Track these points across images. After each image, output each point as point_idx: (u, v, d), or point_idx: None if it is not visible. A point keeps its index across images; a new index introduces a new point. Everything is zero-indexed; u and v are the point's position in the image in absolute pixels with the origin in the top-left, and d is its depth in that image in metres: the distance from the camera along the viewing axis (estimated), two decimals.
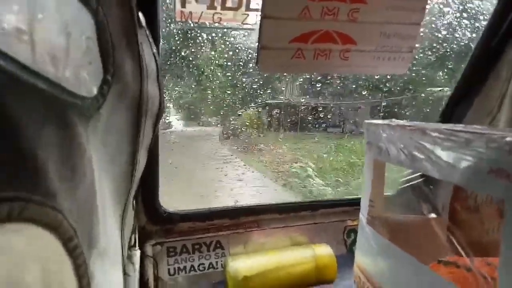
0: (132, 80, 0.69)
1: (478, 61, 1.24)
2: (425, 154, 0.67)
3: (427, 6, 0.89)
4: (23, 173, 0.32)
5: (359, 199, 1.38)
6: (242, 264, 1.19)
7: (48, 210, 0.36)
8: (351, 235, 1.40)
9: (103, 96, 0.55)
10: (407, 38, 0.92)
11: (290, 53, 0.87)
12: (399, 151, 0.75)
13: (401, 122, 0.81)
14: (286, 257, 1.24)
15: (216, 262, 1.27)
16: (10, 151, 0.30)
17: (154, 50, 0.79)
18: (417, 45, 0.95)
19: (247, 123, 8.29)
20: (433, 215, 1.12)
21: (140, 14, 0.70)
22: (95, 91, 0.53)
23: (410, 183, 1.19)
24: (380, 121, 0.85)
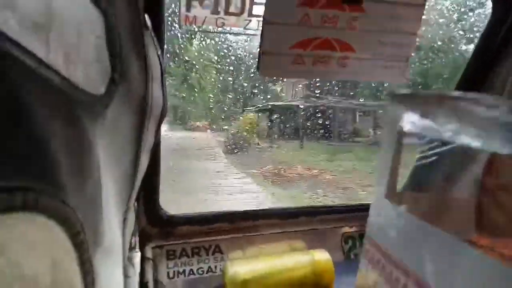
0: (138, 81, 0.71)
1: (472, 73, 1.26)
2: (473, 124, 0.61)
3: (424, 17, 0.92)
4: (35, 163, 0.33)
5: (357, 205, 1.39)
6: (240, 268, 1.20)
7: (58, 203, 0.36)
8: (349, 241, 1.41)
9: (111, 95, 0.57)
10: (403, 47, 0.95)
11: (290, 59, 0.90)
12: (435, 121, 0.69)
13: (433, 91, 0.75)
14: (284, 262, 1.25)
15: (215, 266, 1.28)
16: (23, 139, 0.31)
17: (159, 53, 0.81)
18: (412, 54, 0.98)
19: (247, 129, 7.63)
20: (458, 194, 1.07)
21: (146, 17, 0.73)
22: (103, 89, 0.54)
23: (429, 159, 1.08)
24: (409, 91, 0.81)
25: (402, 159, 0.83)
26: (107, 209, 0.59)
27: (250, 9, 0.89)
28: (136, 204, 1.06)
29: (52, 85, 0.36)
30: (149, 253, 1.20)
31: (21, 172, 0.30)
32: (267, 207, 1.39)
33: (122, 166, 0.73)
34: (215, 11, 0.87)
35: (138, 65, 0.70)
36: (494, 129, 0.57)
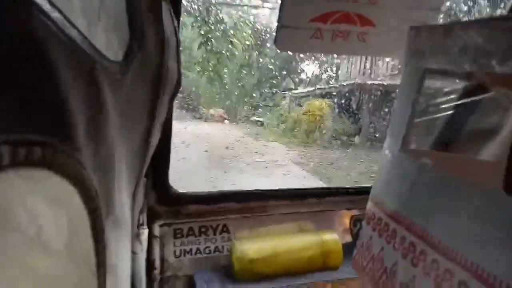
0: (155, 51, 0.70)
1: None
2: None
3: None
4: (56, 120, 0.32)
5: (367, 187, 1.38)
6: (248, 247, 1.20)
7: (75, 163, 0.36)
8: (358, 224, 1.40)
9: (128, 63, 0.56)
10: (426, 23, 0.92)
11: (308, 33, 0.87)
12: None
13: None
14: (292, 243, 1.25)
15: (222, 246, 1.28)
16: (47, 95, 0.30)
17: (176, 24, 0.79)
18: None
19: (314, 120, 4.98)
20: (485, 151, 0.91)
21: None
22: (121, 56, 0.54)
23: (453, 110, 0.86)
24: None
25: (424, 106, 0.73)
26: (119, 179, 0.58)
27: None
28: (145, 180, 1.04)
29: (75, 44, 0.35)
30: (156, 231, 1.19)
31: (41, 127, 0.30)
32: (276, 188, 1.37)
33: (135, 136, 0.72)
34: None
35: (155, 36, 0.68)
36: None
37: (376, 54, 1.01)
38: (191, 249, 1.25)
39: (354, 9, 0.87)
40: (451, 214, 0.63)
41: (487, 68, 0.58)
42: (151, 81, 0.72)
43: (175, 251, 1.24)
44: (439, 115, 0.88)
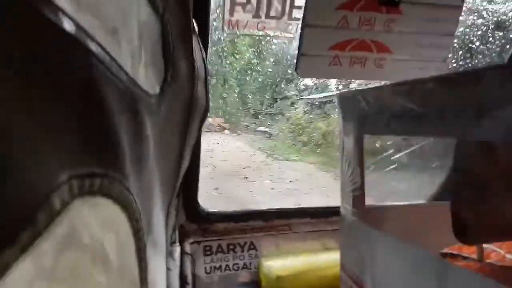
0: (187, 81, 0.76)
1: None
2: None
3: (461, 18, 0.93)
4: (110, 152, 0.37)
5: None
6: (275, 264, 1.23)
7: (125, 190, 0.40)
8: None
9: (164, 94, 0.62)
10: (441, 49, 0.95)
11: (327, 60, 0.92)
12: (392, 117, 0.63)
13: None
14: (317, 260, 1.27)
15: (250, 262, 1.32)
16: (102, 130, 0.35)
17: (204, 55, 0.86)
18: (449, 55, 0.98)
19: None
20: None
21: (193, 21, 0.78)
22: (157, 89, 0.59)
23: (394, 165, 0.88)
24: (357, 88, 0.76)
25: (362, 166, 0.75)
26: (156, 201, 0.64)
27: (290, 13, 0.93)
28: (176, 200, 1.10)
29: (123, 85, 0.40)
30: (187, 248, 1.25)
31: (100, 161, 0.34)
32: (300, 207, 1.40)
33: (168, 160, 0.78)
34: (257, 15, 0.92)
35: (186, 67, 0.75)
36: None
37: (393, 79, 1.02)
38: (220, 266, 1.30)
39: (370, 36, 0.92)
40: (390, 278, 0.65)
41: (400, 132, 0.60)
42: (183, 109, 0.78)
43: (205, 267, 1.29)
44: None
